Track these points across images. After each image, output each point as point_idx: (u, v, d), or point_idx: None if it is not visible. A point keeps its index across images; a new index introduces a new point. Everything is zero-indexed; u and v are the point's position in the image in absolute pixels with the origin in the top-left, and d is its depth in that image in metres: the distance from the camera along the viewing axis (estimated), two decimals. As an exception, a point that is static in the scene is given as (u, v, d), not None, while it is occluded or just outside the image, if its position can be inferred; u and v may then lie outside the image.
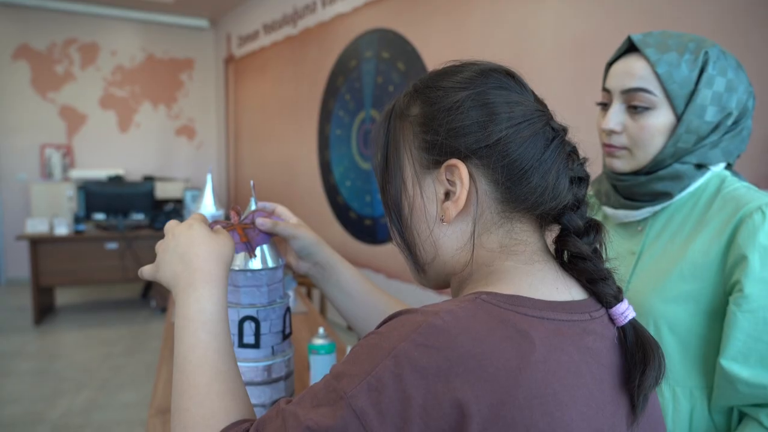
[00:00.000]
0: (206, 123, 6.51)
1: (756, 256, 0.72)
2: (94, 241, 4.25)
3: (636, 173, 0.86)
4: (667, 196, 0.83)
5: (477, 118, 0.49)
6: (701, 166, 0.83)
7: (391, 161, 0.54)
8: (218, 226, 0.69)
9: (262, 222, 0.77)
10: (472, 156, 0.49)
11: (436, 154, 0.51)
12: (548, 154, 0.49)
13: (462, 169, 0.49)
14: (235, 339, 0.77)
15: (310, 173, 4.51)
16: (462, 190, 0.49)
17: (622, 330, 0.50)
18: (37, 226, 4.21)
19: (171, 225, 0.65)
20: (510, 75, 0.53)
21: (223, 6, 5.75)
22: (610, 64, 0.88)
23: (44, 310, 4.32)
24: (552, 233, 0.54)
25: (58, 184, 5.45)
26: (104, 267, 4.27)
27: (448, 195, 0.51)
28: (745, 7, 1.75)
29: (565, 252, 0.52)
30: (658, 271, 0.81)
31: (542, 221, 0.52)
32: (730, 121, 0.82)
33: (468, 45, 2.95)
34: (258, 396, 0.77)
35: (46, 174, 5.63)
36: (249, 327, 0.76)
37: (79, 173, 5.49)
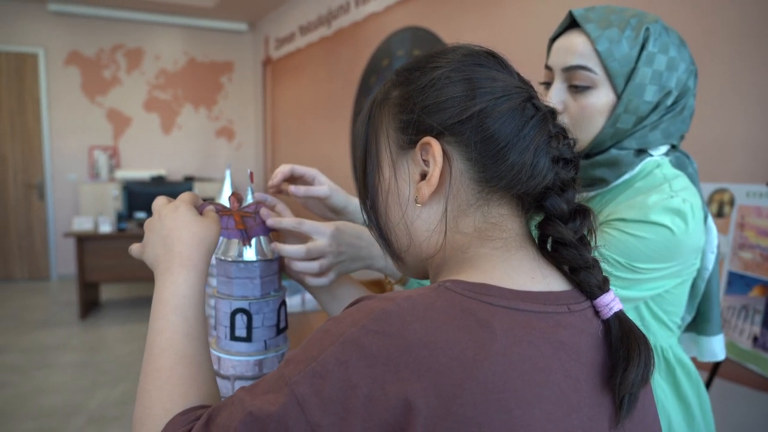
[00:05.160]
0: (245, 124, 6.63)
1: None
2: (136, 239, 4.38)
3: None
4: (603, 182, 0.82)
5: (452, 94, 0.47)
6: (641, 152, 0.81)
7: (370, 146, 0.53)
8: (210, 208, 0.68)
9: (273, 221, 0.75)
10: (446, 132, 0.47)
11: (411, 133, 0.49)
12: (527, 130, 0.46)
13: (435, 146, 0.47)
14: (227, 331, 0.75)
15: (344, 172, 4.52)
16: (435, 168, 0.47)
17: (607, 324, 0.46)
18: (83, 224, 4.39)
19: (159, 204, 0.64)
20: (491, 55, 0.51)
21: (261, 9, 5.85)
22: (552, 40, 0.84)
23: (89, 305, 4.49)
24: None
25: (105, 184, 5.67)
26: (145, 264, 4.38)
27: (424, 177, 0.49)
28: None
29: (550, 240, 0.49)
30: None
31: (523, 205, 0.49)
32: (669, 101, 0.79)
33: (500, 41, 2.89)
34: (250, 390, 0.75)
35: (94, 174, 5.86)
36: (241, 320, 0.75)
37: (124, 174, 5.69)
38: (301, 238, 0.78)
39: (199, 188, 5.64)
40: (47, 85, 5.67)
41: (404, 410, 0.36)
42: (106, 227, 4.33)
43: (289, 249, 0.74)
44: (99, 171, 5.88)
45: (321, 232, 0.74)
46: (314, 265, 0.74)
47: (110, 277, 4.39)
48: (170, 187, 4.74)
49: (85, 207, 5.55)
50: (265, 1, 5.56)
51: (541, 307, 0.43)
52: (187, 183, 4.79)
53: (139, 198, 4.61)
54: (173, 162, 6.24)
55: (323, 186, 0.84)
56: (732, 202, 1.71)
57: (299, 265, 0.74)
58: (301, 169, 0.84)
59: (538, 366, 0.39)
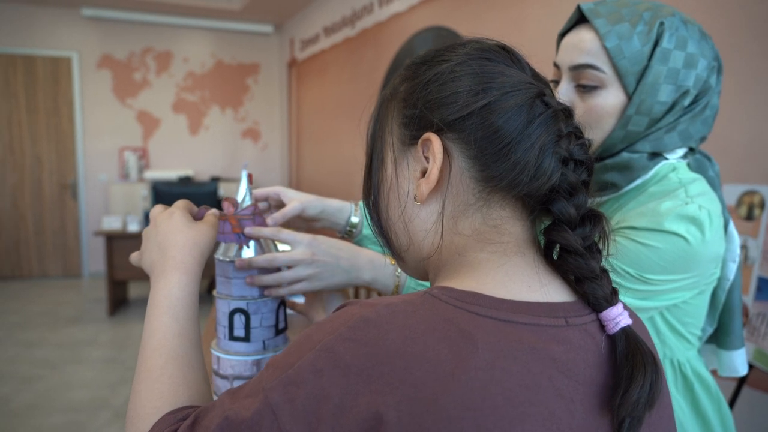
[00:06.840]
0: (270, 125, 6.70)
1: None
2: (162, 238, 4.47)
3: None
4: (614, 187, 0.77)
5: (455, 89, 0.45)
6: (656, 155, 0.75)
7: (377, 142, 0.51)
8: (211, 211, 0.69)
9: (250, 230, 0.76)
10: (447, 129, 0.45)
11: (414, 128, 0.47)
12: (533, 128, 0.43)
13: (435, 142, 0.45)
14: (226, 331, 0.75)
15: (366, 173, 4.53)
16: (434, 166, 0.45)
17: (613, 340, 0.42)
18: (112, 223, 4.51)
19: (155, 212, 0.65)
20: (503, 49, 0.48)
21: (286, 11, 5.90)
22: (561, 36, 0.79)
23: (118, 302, 4.61)
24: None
25: (134, 185, 5.81)
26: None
27: (425, 174, 0.47)
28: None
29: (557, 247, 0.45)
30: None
31: (527, 207, 0.46)
32: (687, 101, 0.73)
33: (524, 40, 2.83)
34: (248, 391, 0.75)
35: (124, 175, 6.01)
36: (239, 320, 0.75)
37: (153, 174, 5.81)
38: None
39: (223, 188, 5.72)
40: (80, 88, 5.84)
41: (374, 423, 0.34)
42: (134, 226, 4.43)
43: (258, 259, 0.74)
44: (129, 171, 6.02)
45: (297, 241, 0.75)
46: (286, 275, 0.74)
47: (138, 275, 4.48)
48: (197, 188, 4.82)
49: (115, 206, 5.70)
50: (290, 2, 5.61)
51: (533, 319, 0.40)
52: (212, 183, 4.88)
53: (166, 198, 4.70)
54: (200, 163, 6.35)
55: (293, 201, 0.83)
56: (762, 205, 1.64)
57: (266, 279, 0.75)
58: (261, 192, 0.84)
59: (523, 383, 0.37)
